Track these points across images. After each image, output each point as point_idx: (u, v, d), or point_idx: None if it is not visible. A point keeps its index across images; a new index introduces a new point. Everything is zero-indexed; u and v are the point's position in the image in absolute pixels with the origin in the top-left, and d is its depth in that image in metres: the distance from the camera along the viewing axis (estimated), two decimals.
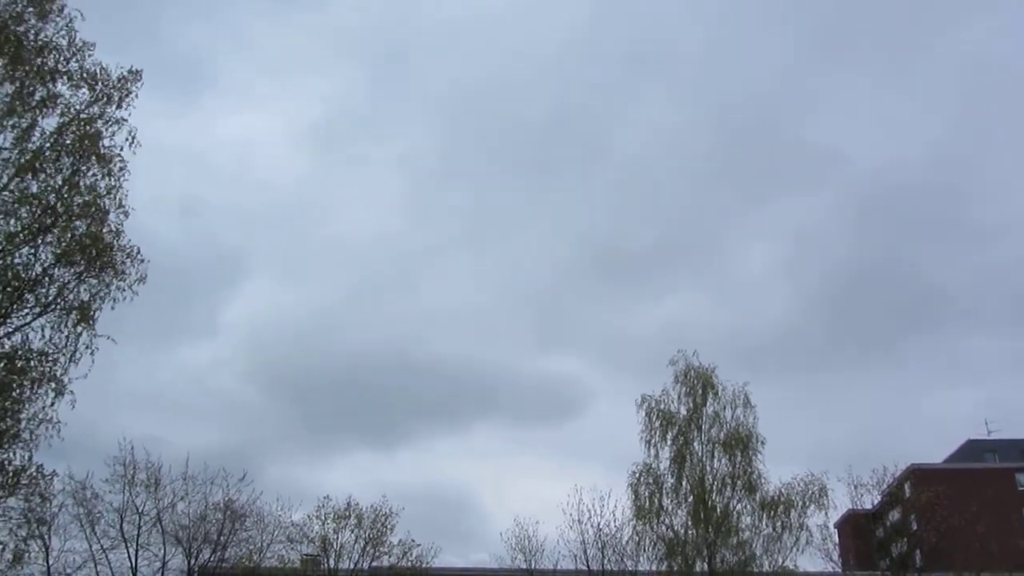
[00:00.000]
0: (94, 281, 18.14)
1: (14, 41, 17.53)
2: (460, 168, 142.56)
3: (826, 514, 40.33)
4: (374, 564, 42.54)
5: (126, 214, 18.67)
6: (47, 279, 17.60)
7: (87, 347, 17.70)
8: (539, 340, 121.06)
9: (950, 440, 79.72)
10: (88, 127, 18.22)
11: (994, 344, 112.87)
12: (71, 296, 17.88)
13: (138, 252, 18.70)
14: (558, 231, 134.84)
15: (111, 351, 18.16)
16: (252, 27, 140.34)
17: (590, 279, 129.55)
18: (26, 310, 17.43)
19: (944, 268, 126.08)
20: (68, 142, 18.05)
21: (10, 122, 17.52)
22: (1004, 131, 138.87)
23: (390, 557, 42.50)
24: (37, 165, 17.52)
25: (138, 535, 38.26)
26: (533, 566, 42.78)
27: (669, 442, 40.29)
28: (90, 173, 18.28)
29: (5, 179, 17.34)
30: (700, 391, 40.89)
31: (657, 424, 40.60)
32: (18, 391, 17.13)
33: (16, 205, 17.33)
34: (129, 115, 18.77)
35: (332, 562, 42.19)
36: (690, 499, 39.03)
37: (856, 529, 54.64)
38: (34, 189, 17.63)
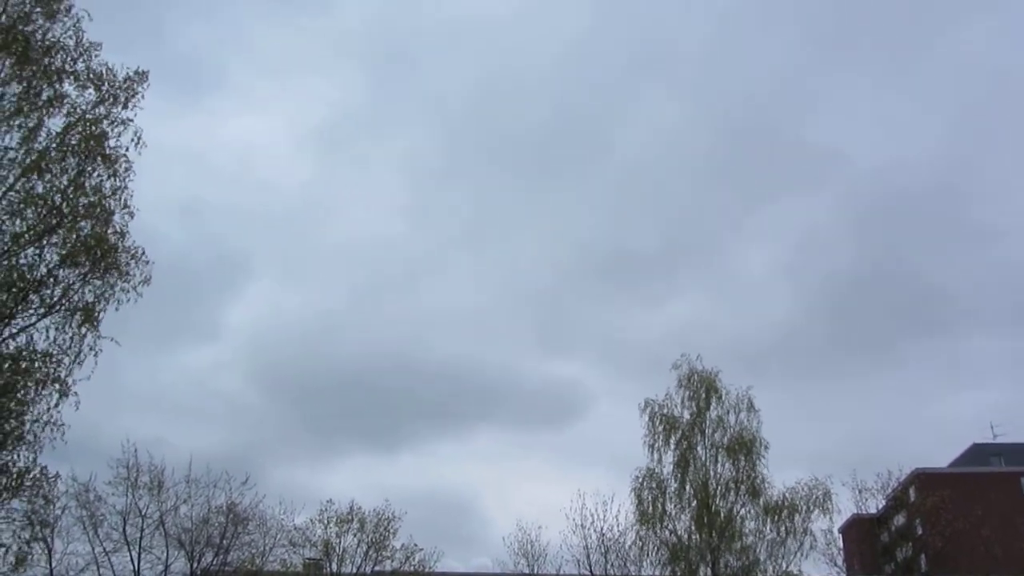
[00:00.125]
0: (99, 282, 18.06)
1: (22, 41, 17.49)
2: (461, 170, 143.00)
3: (830, 519, 40.35)
4: (376, 568, 42.49)
5: (131, 215, 18.60)
6: (52, 280, 17.53)
7: (91, 348, 17.64)
8: (540, 342, 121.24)
9: (955, 444, 79.71)
10: (94, 128, 18.15)
11: (998, 346, 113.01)
12: (76, 297, 17.80)
13: (143, 253, 18.66)
14: (559, 233, 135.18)
15: (114, 352, 18.12)
16: (254, 28, 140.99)
17: (591, 281, 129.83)
18: (31, 311, 17.36)
19: (946, 269, 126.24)
20: (74, 142, 17.98)
21: (16, 122, 17.47)
22: (1005, 132, 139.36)
23: (392, 561, 42.48)
24: (43, 165, 17.45)
25: (141, 538, 38.23)
26: (536, 571, 42.70)
27: (672, 446, 40.24)
28: (95, 174, 18.20)
29: (11, 179, 17.27)
30: (703, 395, 40.84)
31: (660, 428, 40.54)
32: (23, 392, 17.05)
33: (22, 206, 17.27)
34: (135, 116, 18.74)
35: (335, 566, 42.17)
36: (693, 504, 38.93)
37: (861, 534, 54.53)
38: (40, 190, 17.56)
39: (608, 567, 41.70)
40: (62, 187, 17.74)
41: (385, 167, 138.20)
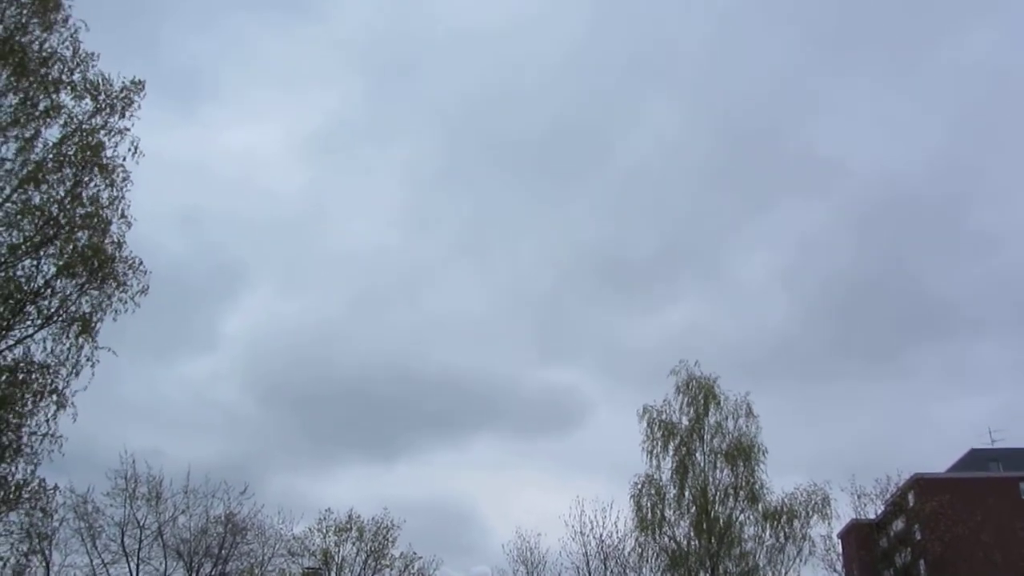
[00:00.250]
0: (96, 293, 17.99)
1: (19, 51, 17.48)
2: (461, 178, 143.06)
3: (829, 524, 40.38)
4: None
5: (128, 225, 18.56)
6: (49, 291, 17.46)
7: (88, 359, 17.55)
8: (540, 350, 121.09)
9: (954, 449, 79.46)
10: (91, 138, 18.12)
11: (997, 351, 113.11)
12: (73, 308, 17.72)
13: (140, 263, 18.60)
14: (559, 240, 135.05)
15: (111, 363, 18.05)
16: (253, 38, 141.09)
17: (591, 288, 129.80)
18: (28, 322, 17.28)
19: (946, 275, 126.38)
20: (71, 153, 17.95)
21: (13, 133, 17.46)
22: (1006, 137, 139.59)
23: (391, 570, 42.49)
24: (40, 176, 17.41)
25: (139, 549, 38.09)
26: None
27: (671, 453, 40.29)
28: (92, 184, 18.16)
29: (8, 190, 17.24)
30: (702, 401, 40.88)
31: (659, 435, 40.59)
32: (20, 405, 16.97)
33: (19, 216, 17.23)
34: (132, 125, 18.71)
35: (334, 575, 42.00)
36: (692, 510, 38.95)
37: (859, 539, 54.47)
38: (36, 200, 17.52)
39: (607, 574, 41.61)
40: (59, 198, 17.68)
41: (384, 175, 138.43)
